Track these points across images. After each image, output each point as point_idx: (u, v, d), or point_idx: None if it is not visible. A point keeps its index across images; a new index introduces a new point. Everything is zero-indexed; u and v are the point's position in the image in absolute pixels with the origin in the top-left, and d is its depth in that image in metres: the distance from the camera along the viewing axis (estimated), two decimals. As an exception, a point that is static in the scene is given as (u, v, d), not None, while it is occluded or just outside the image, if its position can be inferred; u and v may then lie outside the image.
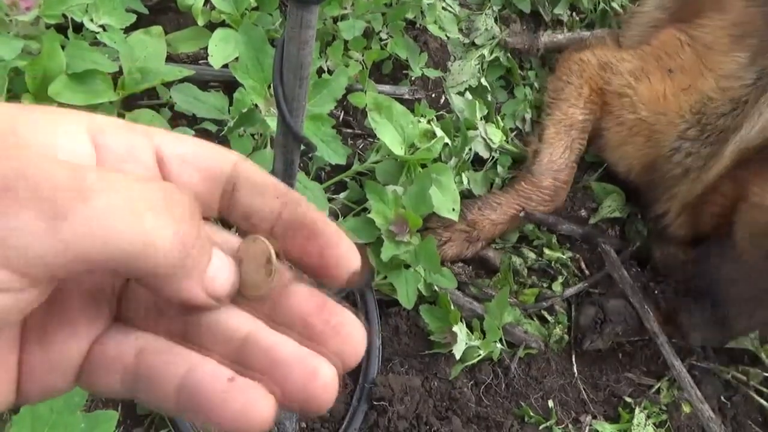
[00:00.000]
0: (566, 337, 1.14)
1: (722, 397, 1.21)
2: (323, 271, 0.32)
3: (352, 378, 1.03)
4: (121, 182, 0.27)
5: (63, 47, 0.91)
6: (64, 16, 0.95)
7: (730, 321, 1.01)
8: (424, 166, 1.08)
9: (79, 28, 0.98)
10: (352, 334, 0.31)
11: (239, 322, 0.31)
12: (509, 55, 1.37)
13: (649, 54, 1.23)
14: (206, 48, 1.05)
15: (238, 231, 0.35)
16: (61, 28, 0.98)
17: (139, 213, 0.26)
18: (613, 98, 1.24)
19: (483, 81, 1.32)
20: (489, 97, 1.32)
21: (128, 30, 0.99)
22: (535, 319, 1.16)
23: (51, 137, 0.29)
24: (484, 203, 1.18)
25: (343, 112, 1.26)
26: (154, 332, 0.32)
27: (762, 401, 1.20)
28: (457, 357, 1.03)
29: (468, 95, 1.28)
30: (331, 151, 0.95)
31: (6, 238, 0.24)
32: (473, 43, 1.37)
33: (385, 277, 1.03)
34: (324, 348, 0.30)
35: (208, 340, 0.31)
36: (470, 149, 1.22)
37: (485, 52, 1.35)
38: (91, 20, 0.95)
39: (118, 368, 0.30)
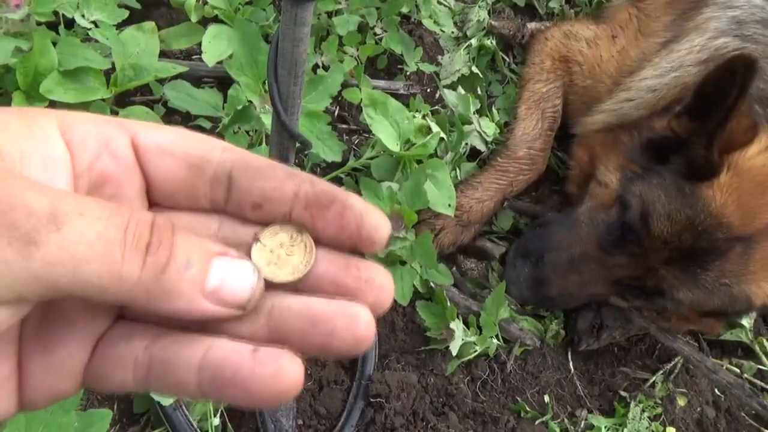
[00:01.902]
0: (562, 332, 1.14)
1: (716, 390, 1.21)
2: (365, 241, 0.32)
3: (349, 375, 1.03)
4: (96, 211, 0.27)
5: (54, 44, 0.90)
6: (55, 12, 0.94)
7: (546, 283, 1.05)
8: (419, 161, 1.08)
9: (70, 24, 0.97)
10: (384, 284, 0.32)
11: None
12: (493, 41, 1.37)
13: (606, 28, 1.28)
14: (200, 44, 1.04)
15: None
16: (52, 25, 0.97)
17: (109, 245, 0.26)
18: (573, 66, 1.28)
19: (474, 69, 1.32)
20: (479, 90, 1.32)
21: (120, 26, 0.98)
22: (531, 317, 1.16)
23: (26, 142, 0.29)
24: (465, 185, 1.19)
25: (338, 108, 1.25)
26: (166, 326, 0.31)
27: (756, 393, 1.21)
28: (454, 353, 1.03)
29: (460, 89, 1.28)
30: (326, 149, 0.95)
31: None
32: (465, 35, 1.37)
33: (381, 274, 1.03)
34: (361, 301, 0.31)
35: (231, 322, 0.31)
36: (466, 144, 1.22)
37: (473, 40, 1.35)
38: (83, 16, 0.94)
39: (129, 363, 0.30)
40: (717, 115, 0.85)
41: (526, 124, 1.25)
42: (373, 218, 0.32)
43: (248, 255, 0.32)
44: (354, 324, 0.30)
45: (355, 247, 0.33)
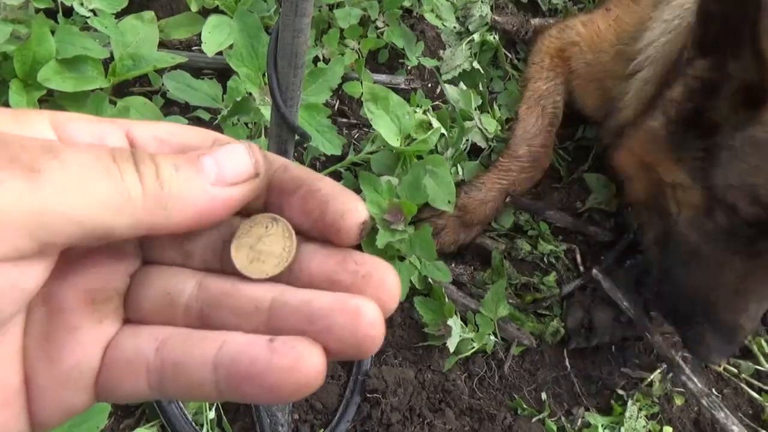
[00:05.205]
0: (562, 330, 1.14)
1: (714, 390, 1.21)
2: (330, 228, 0.29)
3: (346, 370, 1.03)
4: (82, 145, 0.27)
5: (53, 32, 0.89)
6: (54, 0, 0.93)
7: (737, 329, 0.93)
8: (420, 157, 1.07)
9: (69, 12, 0.97)
10: (385, 278, 0.29)
11: (260, 292, 0.29)
12: (496, 36, 1.36)
13: (600, 7, 1.27)
14: (199, 34, 1.03)
15: None
16: (50, 13, 0.96)
17: (106, 164, 0.26)
18: (571, 50, 1.26)
19: (475, 64, 1.31)
20: (481, 86, 1.31)
21: (119, 15, 0.97)
22: (531, 314, 1.16)
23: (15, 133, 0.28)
24: (469, 186, 1.19)
25: (338, 101, 1.24)
26: (171, 325, 0.30)
27: (753, 393, 1.21)
28: (451, 349, 1.03)
29: (462, 85, 1.27)
30: (326, 142, 0.94)
31: None
32: (467, 30, 1.37)
33: (379, 269, 1.02)
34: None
35: (231, 317, 0.29)
36: (467, 140, 1.21)
37: (476, 36, 1.34)
38: (82, 4, 0.93)
39: (141, 368, 0.28)
40: (743, 24, 0.75)
41: (527, 123, 1.25)
42: (340, 202, 0.29)
43: (228, 254, 0.31)
44: (355, 321, 0.27)
45: (323, 237, 0.30)
